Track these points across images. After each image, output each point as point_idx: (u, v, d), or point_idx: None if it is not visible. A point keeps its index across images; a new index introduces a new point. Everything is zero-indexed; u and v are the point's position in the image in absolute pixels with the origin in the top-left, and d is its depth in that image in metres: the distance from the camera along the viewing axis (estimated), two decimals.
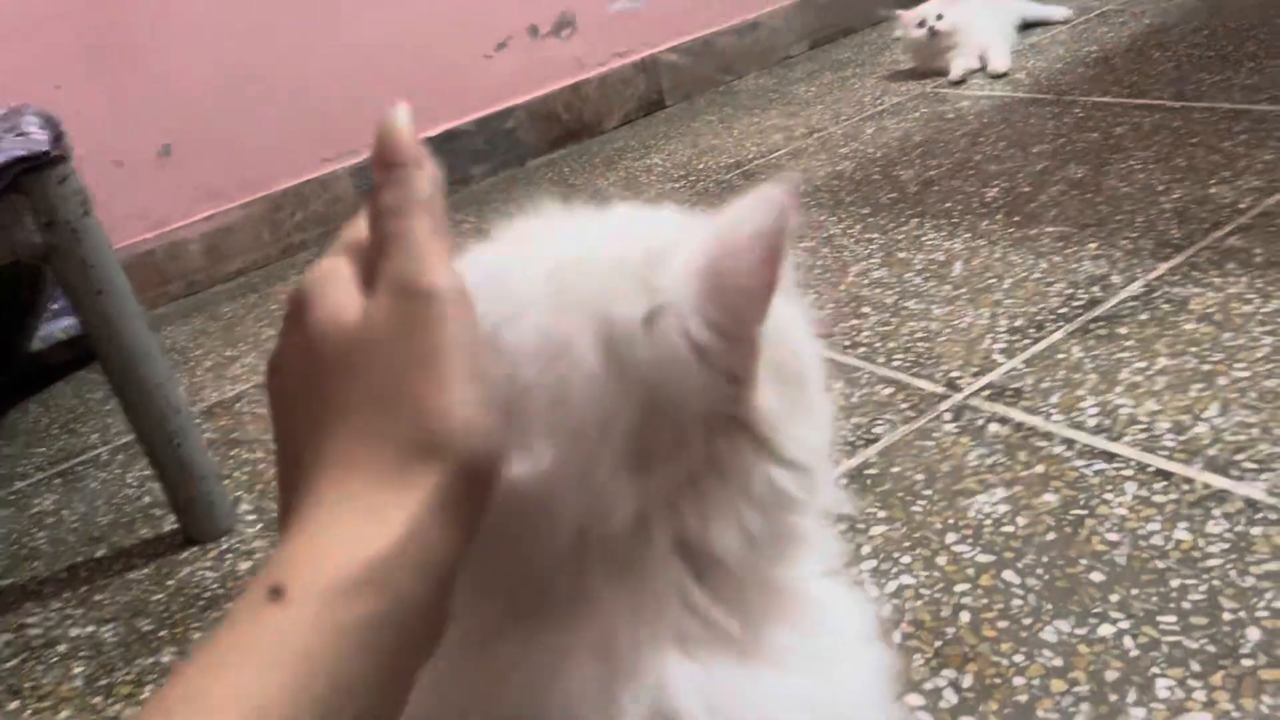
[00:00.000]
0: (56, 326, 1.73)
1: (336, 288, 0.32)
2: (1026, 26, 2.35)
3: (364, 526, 0.30)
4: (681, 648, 0.34)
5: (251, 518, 1.19)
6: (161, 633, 1.03)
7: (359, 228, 0.35)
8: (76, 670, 1.01)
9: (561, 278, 0.34)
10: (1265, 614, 0.72)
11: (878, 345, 1.20)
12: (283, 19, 2.07)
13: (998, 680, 0.72)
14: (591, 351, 0.33)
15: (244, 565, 1.10)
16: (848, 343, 1.22)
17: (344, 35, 2.13)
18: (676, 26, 2.53)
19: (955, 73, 2.13)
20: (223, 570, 1.10)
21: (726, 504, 0.34)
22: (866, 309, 1.28)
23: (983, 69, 2.14)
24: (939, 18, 2.14)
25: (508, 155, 2.36)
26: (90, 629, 1.06)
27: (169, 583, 1.11)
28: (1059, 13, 2.35)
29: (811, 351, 0.38)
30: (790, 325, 0.37)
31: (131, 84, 1.97)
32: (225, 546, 1.15)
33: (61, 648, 1.05)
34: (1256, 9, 2.04)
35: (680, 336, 0.32)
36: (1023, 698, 0.71)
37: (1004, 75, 2.07)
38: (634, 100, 2.50)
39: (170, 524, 1.21)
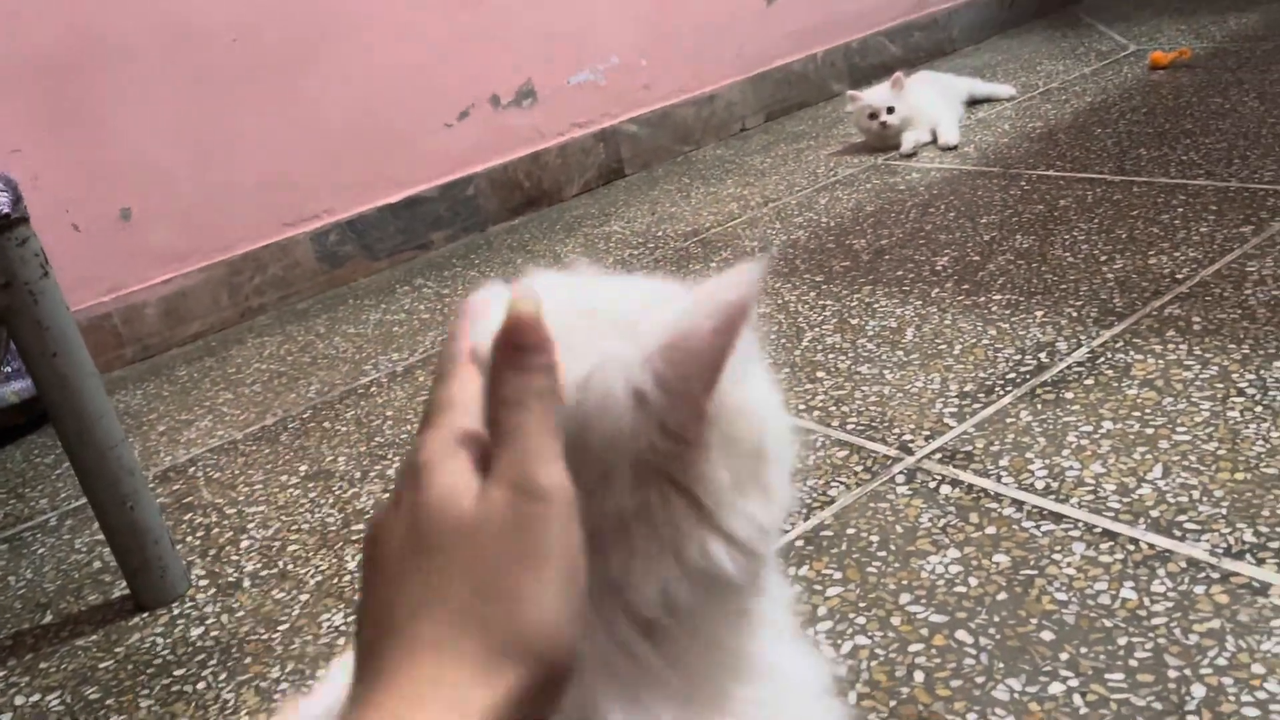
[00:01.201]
0: (8, 389, 1.70)
1: (453, 471, 0.33)
2: (974, 103, 2.43)
3: (446, 714, 0.30)
4: (618, 683, 0.34)
5: (204, 583, 1.17)
6: (109, 701, 1.01)
7: (459, 390, 0.35)
8: None
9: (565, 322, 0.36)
10: (1209, 671, 0.73)
11: (832, 409, 1.22)
12: (244, 83, 2.09)
13: None
14: None
15: (195, 631, 1.09)
16: (803, 407, 1.24)
17: (306, 100, 2.16)
18: (635, 98, 2.59)
19: (906, 146, 2.20)
20: (174, 637, 1.09)
21: (652, 560, 0.34)
22: (821, 374, 1.31)
23: (933, 142, 2.21)
24: (890, 111, 2.21)
25: (469, 222, 2.38)
26: (35, 697, 1.04)
27: (118, 649, 1.09)
28: (1005, 90, 2.44)
29: (778, 432, 0.38)
30: (756, 401, 0.37)
31: (91, 148, 1.97)
32: (177, 612, 1.13)
33: (5, 716, 1.02)
34: (1192, 89, 2.13)
35: (621, 381, 0.34)
36: None
37: (954, 148, 2.14)
38: (594, 169, 2.55)
39: (120, 590, 1.19)
